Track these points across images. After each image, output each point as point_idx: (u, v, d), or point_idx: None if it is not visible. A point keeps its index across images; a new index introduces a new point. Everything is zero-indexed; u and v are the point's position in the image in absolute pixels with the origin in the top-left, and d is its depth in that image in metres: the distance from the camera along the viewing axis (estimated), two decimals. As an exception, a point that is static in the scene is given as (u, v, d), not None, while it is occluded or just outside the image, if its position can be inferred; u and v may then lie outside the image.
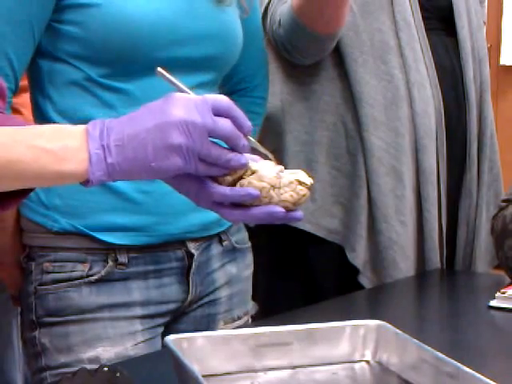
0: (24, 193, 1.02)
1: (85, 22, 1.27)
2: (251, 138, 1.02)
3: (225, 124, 0.96)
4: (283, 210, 1.00)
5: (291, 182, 1.01)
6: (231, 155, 0.97)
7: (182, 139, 0.94)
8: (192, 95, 0.98)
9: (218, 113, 0.96)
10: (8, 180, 0.95)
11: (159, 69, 1.02)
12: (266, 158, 1.05)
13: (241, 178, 1.00)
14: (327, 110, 1.73)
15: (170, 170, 0.96)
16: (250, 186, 0.99)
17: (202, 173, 0.98)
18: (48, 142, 0.95)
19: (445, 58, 1.78)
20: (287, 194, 1.01)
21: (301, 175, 1.03)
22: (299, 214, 1.02)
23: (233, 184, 1.00)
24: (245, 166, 0.99)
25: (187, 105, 0.95)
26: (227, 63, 1.42)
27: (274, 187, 1.00)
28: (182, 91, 1.01)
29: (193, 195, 1.03)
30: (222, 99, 0.98)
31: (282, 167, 1.03)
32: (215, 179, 1.00)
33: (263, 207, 1.00)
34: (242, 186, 1.00)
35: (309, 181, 1.02)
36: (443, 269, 1.76)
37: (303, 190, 1.02)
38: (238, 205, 1.01)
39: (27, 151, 0.94)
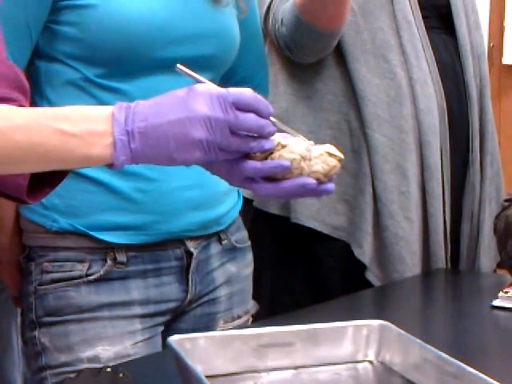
0: (53, 183, 1.03)
1: (81, 22, 1.27)
2: (278, 121, 1.01)
3: (248, 118, 0.96)
4: (315, 182, 1.00)
5: (321, 154, 1.01)
6: (253, 144, 0.98)
7: (204, 135, 0.95)
8: (215, 87, 0.98)
9: (241, 107, 0.96)
10: (32, 163, 0.96)
11: (179, 65, 1.01)
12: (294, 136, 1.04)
13: (271, 153, 1.00)
14: (330, 109, 1.73)
15: (190, 161, 0.97)
16: (280, 158, 0.99)
17: (222, 159, 0.99)
18: (74, 125, 0.96)
19: (445, 55, 1.78)
20: (318, 166, 1.00)
21: (330, 148, 1.02)
22: (331, 185, 1.02)
23: (264, 159, 1.00)
24: (268, 151, 0.99)
25: (210, 99, 0.96)
26: (224, 63, 1.42)
27: (304, 159, 0.99)
28: None
29: (224, 174, 1.03)
30: (245, 92, 0.97)
31: (312, 142, 1.03)
32: (246, 156, 1.00)
33: (295, 179, 0.99)
34: (272, 159, 0.99)
35: (339, 153, 1.02)
36: (447, 268, 1.76)
37: (334, 162, 1.01)
38: (270, 179, 1.00)
39: (53, 135, 0.95)
